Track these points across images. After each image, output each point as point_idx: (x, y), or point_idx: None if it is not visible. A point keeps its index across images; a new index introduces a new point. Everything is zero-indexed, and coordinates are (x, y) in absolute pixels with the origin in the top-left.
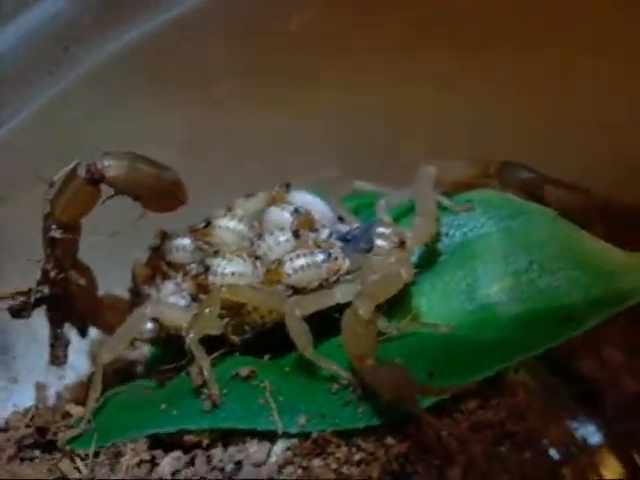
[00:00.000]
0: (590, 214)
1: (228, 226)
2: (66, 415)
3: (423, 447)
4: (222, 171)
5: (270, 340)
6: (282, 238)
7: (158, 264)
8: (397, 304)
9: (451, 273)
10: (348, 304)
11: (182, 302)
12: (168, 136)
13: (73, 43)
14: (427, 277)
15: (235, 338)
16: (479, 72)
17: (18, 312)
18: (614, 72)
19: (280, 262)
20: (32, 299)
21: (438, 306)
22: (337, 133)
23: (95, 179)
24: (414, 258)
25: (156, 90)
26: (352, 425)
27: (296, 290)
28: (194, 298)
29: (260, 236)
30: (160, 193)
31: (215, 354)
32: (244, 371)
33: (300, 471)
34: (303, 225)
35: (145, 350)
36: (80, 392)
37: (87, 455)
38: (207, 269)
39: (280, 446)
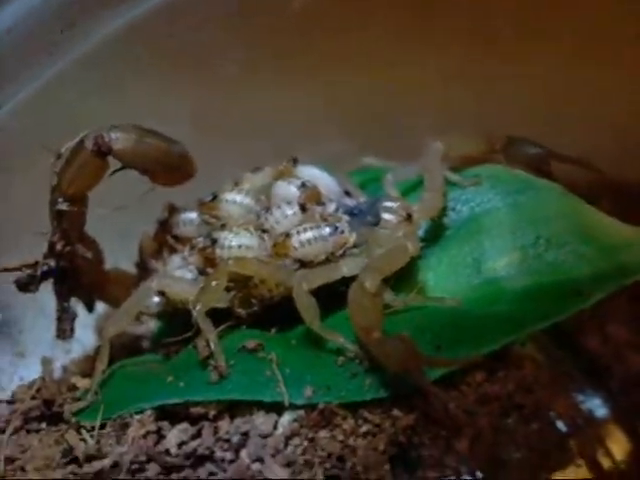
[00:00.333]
0: (596, 189)
1: (235, 200)
2: (72, 388)
3: (430, 419)
4: (231, 146)
5: (277, 313)
6: (289, 212)
7: (165, 238)
8: (404, 278)
9: (458, 247)
10: (355, 277)
11: (189, 275)
12: (168, 116)
13: (71, 24)
14: (434, 251)
15: (242, 311)
16: (483, 52)
17: (25, 285)
18: (616, 58)
19: (287, 235)
20: (39, 272)
21: (445, 280)
22: (345, 109)
23: (102, 151)
24: (421, 232)
25: (155, 71)
26: (359, 397)
27: (303, 263)
28: (201, 272)
29: (267, 210)
30: (168, 166)
31: (222, 327)
32: (251, 344)
33: (306, 442)
34: (310, 199)
35: (152, 325)
36: (86, 365)
37: (93, 427)
38: (214, 242)
39: (287, 418)
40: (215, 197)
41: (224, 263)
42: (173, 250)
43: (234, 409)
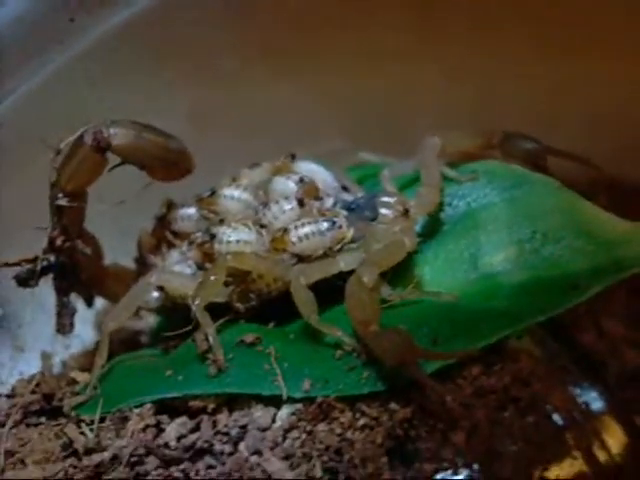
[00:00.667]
0: (593, 185)
1: (233, 195)
2: (72, 382)
3: (427, 412)
4: (229, 142)
5: (275, 308)
6: (287, 207)
7: (164, 233)
8: (400, 272)
9: (454, 242)
10: (352, 272)
11: (187, 271)
12: (166, 112)
13: (79, 14)
14: (430, 246)
15: (240, 306)
16: (483, 50)
17: (25, 281)
18: (613, 55)
19: (285, 230)
20: (38, 267)
21: (441, 275)
22: (342, 106)
23: (101, 147)
24: (418, 227)
25: (154, 67)
26: (356, 390)
27: (301, 258)
28: (199, 267)
29: (265, 205)
30: (166, 162)
31: (220, 321)
32: (249, 338)
33: (304, 436)
34: (308, 194)
35: (151, 320)
36: (86, 360)
37: (93, 421)
38: (212, 237)
39: (285, 411)
40: (213, 192)
41: (222, 258)
42: (172, 245)
43: (233, 403)
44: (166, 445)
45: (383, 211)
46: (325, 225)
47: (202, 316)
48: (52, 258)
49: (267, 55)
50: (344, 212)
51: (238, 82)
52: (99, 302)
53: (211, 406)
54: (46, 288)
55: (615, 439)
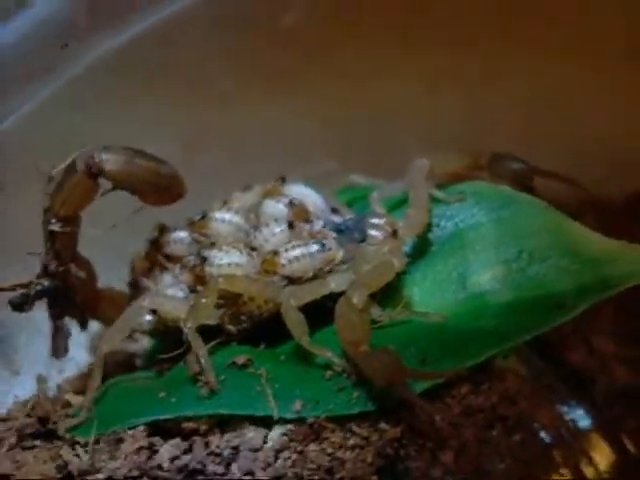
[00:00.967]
0: (579, 205)
1: (224, 218)
2: (66, 405)
3: (416, 431)
4: (220, 165)
5: (266, 329)
6: (277, 229)
7: (156, 257)
8: (390, 293)
9: (443, 263)
10: (342, 293)
11: (180, 294)
12: (159, 136)
13: (65, 45)
14: (419, 267)
15: (232, 328)
16: (471, 67)
17: (19, 305)
18: (602, 70)
19: (276, 253)
20: (32, 292)
21: (430, 295)
22: (332, 128)
23: (93, 173)
24: (406, 248)
25: (147, 91)
26: (346, 411)
27: (291, 280)
28: (192, 290)
29: (256, 228)
30: (158, 187)
31: (212, 343)
32: (241, 359)
33: (296, 456)
34: (298, 216)
35: (145, 343)
36: (80, 384)
37: (87, 443)
38: (204, 260)
39: (276, 431)
40: (205, 216)
41: (214, 281)
42: (164, 269)
43: (225, 424)
44: (159, 467)
45: (372, 232)
46: (315, 247)
47: (194, 338)
48: (46, 282)
49: (259, 78)
50: (334, 234)
51: (229, 105)
52: (93, 325)
53: (203, 427)
54: (41, 312)
55: (602, 456)
